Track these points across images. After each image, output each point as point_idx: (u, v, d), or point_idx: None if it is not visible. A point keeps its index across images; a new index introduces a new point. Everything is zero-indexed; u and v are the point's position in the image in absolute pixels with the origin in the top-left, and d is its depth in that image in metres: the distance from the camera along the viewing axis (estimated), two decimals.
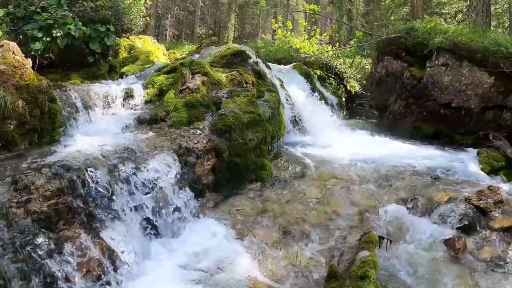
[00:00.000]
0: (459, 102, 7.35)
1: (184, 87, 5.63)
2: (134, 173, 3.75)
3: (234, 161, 4.84)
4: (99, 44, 6.99)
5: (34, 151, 3.78)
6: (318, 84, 9.77)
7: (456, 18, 16.98)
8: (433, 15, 17.68)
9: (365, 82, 11.90)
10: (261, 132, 5.31)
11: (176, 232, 3.93)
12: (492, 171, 5.43)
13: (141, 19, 9.43)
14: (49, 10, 6.24)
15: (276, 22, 14.65)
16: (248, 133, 5.09)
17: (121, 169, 3.66)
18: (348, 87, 11.44)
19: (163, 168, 4.04)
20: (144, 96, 5.54)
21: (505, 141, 6.20)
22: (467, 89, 7.23)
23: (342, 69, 11.55)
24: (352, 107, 12.12)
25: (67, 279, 2.84)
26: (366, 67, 12.29)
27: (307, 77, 9.32)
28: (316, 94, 9.09)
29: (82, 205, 3.21)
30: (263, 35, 22.17)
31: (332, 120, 8.57)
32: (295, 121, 7.48)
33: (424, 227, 4.10)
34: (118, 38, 8.17)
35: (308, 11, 14.36)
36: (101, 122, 4.89)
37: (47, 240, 2.85)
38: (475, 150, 6.18)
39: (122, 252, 3.29)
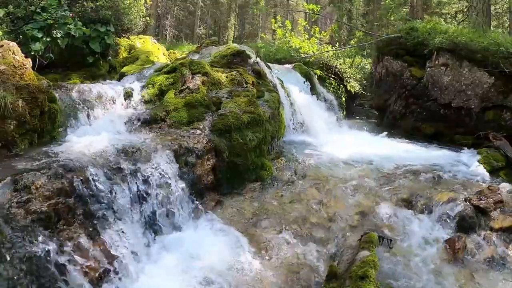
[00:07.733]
0: (459, 102, 7.35)
1: (184, 87, 5.63)
2: (134, 173, 3.75)
3: (234, 161, 4.84)
4: (99, 44, 6.99)
5: (34, 151, 3.78)
6: (318, 84, 9.75)
7: (456, 18, 16.98)
8: (433, 15, 17.69)
9: (365, 82, 11.90)
10: (261, 132, 5.31)
11: (175, 232, 3.93)
12: (492, 171, 5.42)
13: (141, 19, 9.44)
14: (49, 10, 6.24)
15: (275, 22, 14.65)
16: (248, 133, 5.08)
17: (121, 169, 3.66)
18: (348, 87, 11.43)
19: (162, 168, 4.04)
20: (144, 96, 5.53)
21: (505, 141, 6.19)
22: (467, 89, 7.23)
23: (342, 69, 11.53)
24: (352, 107, 12.12)
25: (67, 280, 2.84)
26: (366, 67, 12.29)
27: (307, 77, 9.30)
28: (316, 94, 9.08)
29: (82, 205, 3.20)
30: (263, 35, 22.20)
31: (332, 120, 8.57)
32: (295, 121, 7.48)
33: (424, 227, 4.10)
34: (118, 38, 8.18)
35: (308, 10, 14.39)
36: (101, 122, 4.89)
37: (47, 240, 2.85)
38: (475, 150, 6.18)
39: (122, 252, 3.29)
